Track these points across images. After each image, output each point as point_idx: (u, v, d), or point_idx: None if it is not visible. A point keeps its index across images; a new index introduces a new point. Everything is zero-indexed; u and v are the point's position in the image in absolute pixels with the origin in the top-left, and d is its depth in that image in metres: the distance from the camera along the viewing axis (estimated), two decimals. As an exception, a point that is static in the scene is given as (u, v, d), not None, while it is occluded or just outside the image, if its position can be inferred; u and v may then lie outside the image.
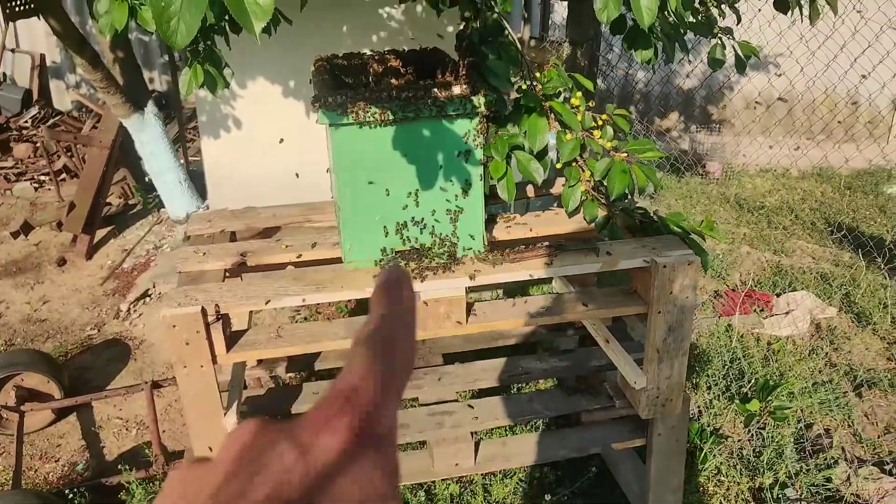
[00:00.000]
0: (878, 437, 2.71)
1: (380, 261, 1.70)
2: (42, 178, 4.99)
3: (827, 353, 3.21)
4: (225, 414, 1.66)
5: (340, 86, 1.76)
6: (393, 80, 1.74)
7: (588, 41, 2.96)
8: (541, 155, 1.76)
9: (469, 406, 1.96)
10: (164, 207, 4.36)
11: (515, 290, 3.04)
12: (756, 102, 6.28)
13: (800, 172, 5.64)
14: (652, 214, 1.82)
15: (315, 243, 1.83)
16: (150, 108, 3.94)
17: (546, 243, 1.76)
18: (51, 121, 5.85)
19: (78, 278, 3.82)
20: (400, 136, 1.58)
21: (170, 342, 1.55)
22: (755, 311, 3.51)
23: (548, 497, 2.25)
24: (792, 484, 2.32)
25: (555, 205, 2.07)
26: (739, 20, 2.34)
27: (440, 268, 1.68)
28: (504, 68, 1.62)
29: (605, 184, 1.74)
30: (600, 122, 1.76)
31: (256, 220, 2.03)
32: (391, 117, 1.54)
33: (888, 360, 3.22)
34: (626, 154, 1.67)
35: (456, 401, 2.02)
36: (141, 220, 4.35)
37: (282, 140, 3.67)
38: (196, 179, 4.37)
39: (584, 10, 2.72)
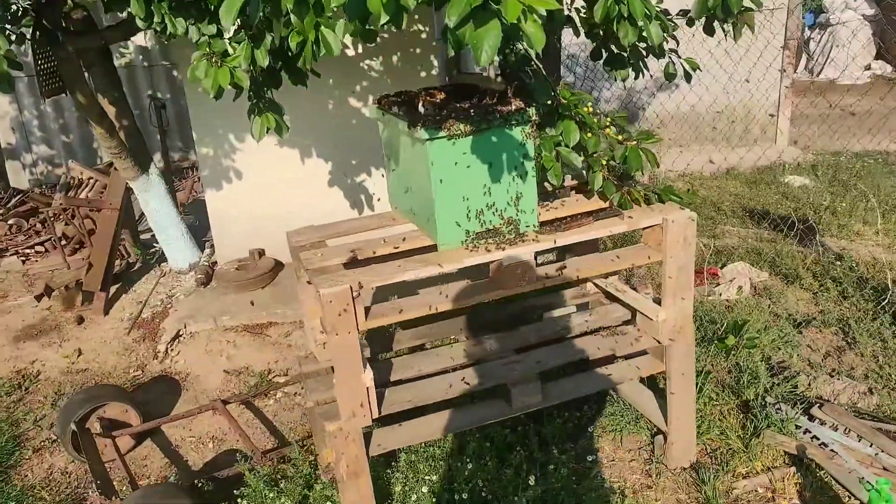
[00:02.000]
0: (822, 360, 3.41)
1: (464, 241, 2.22)
2: (26, 251, 5.16)
3: (769, 306, 3.93)
4: (364, 371, 2.12)
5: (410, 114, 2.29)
6: (458, 104, 2.28)
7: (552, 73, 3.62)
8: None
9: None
10: (165, 261, 4.66)
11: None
12: (666, 116, 7.22)
13: (711, 174, 6.56)
14: (652, 190, 2.44)
15: (405, 237, 2.32)
16: (153, 169, 4.30)
17: (582, 217, 2.34)
18: (17, 197, 5.99)
19: (101, 332, 4.07)
20: (476, 144, 2.13)
21: (326, 315, 2.00)
22: (708, 282, 4.22)
23: (590, 429, 2.78)
24: (769, 394, 2.96)
25: (571, 193, 2.64)
26: (678, 44, 3.04)
27: (512, 241, 2.22)
28: (544, 87, 2.20)
29: (617, 167, 2.35)
30: (608, 123, 2.38)
31: (342, 230, 2.48)
32: (471, 129, 2.09)
33: (816, 306, 3.98)
34: (636, 142, 2.29)
35: (517, 352, 2.53)
36: (145, 275, 4.63)
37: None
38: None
39: (551, 48, 3.37)
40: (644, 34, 2.01)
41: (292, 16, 1.70)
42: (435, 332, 2.73)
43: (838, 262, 4.26)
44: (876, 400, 2.99)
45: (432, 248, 2.25)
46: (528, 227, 2.28)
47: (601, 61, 2.71)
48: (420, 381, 2.40)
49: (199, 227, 5.16)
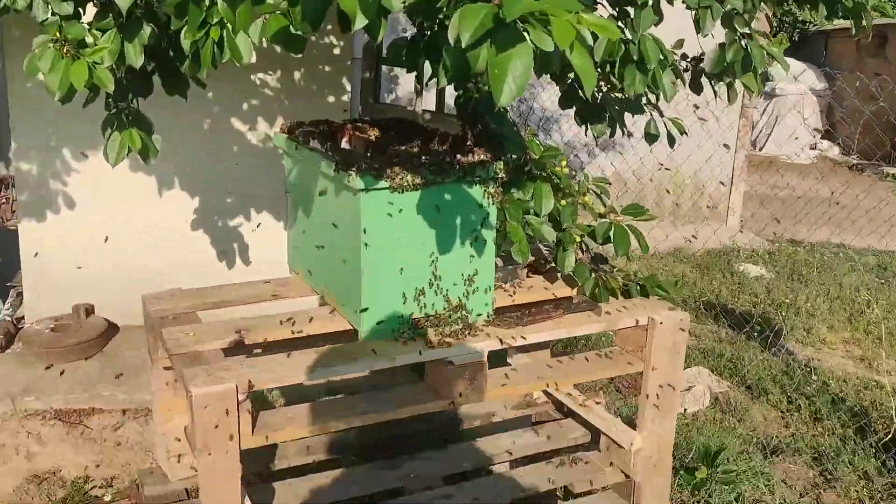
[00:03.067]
0: (798, 500, 3.39)
1: (396, 329, 2.00)
2: None
3: (733, 426, 3.92)
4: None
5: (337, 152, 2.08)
6: (403, 147, 2.09)
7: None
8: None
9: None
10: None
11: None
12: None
13: (655, 253, 6.70)
14: (633, 277, 2.33)
15: (312, 317, 2.08)
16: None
17: (548, 307, 2.18)
18: None
19: None
20: (425, 202, 1.95)
21: (197, 425, 1.70)
22: (657, 389, 4.17)
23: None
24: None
25: (524, 272, 2.50)
26: (658, 99, 3.03)
27: (459, 333, 2.02)
28: (516, 137, 2.06)
29: (591, 247, 2.23)
30: (587, 189, 2.26)
31: (222, 298, 2.20)
32: (420, 181, 1.90)
33: (786, 428, 4.01)
34: (621, 217, 2.18)
35: (446, 481, 2.31)
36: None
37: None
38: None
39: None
40: (654, 83, 1.92)
41: (219, 3, 1.47)
42: (334, 445, 2.45)
43: (813, 377, 4.35)
44: (868, 557, 2.97)
45: (350, 334, 2.05)
46: (480, 315, 2.11)
47: (568, 111, 2.64)
48: (314, 519, 2.11)
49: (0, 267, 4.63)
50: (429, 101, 4.40)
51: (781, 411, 4.14)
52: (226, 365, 1.82)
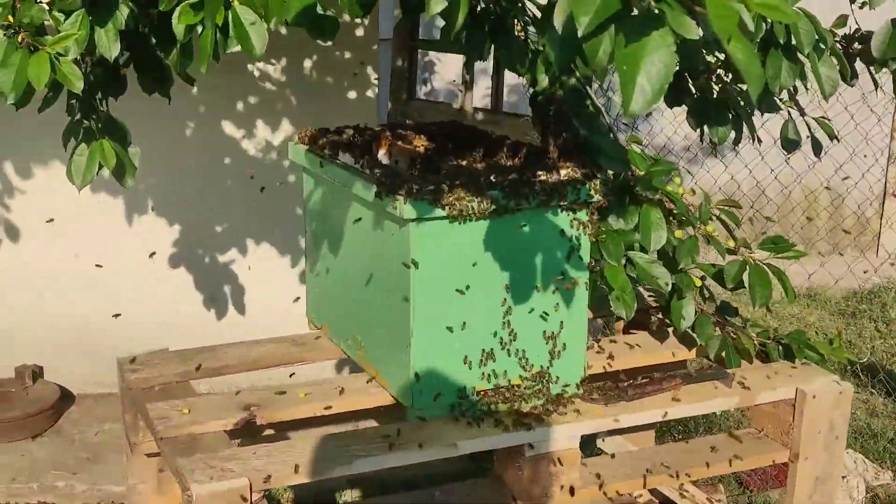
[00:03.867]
0: None
1: (456, 405, 2.00)
2: None
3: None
4: None
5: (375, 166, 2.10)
6: (463, 162, 2.10)
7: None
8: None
9: None
10: None
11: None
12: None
13: (781, 294, 6.63)
14: (773, 334, 2.31)
15: (342, 387, 2.09)
16: None
17: (658, 374, 2.18)
18: None
19: None
20: (494, 233, 1.96)
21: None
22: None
23: None
24: None
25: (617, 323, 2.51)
26: (796, 92, 3.02)
27: (542, 410, 2.02)
28: (615, 148, 2.07)
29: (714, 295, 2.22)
30: (708, 216, 2.27)
31: (222, 362, 2.23)
32: (489, 208, 1.91)
33: (976, 539, 3.92)
34: (757, 253, 2.17)
35: None
36: None
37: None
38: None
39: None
40: (808, 74, 1.93)
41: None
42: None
43: None
44: None
45: (395, 410, 2.08)
46: (568, 386, 2.12)
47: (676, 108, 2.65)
48: None
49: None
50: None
51: (968, 515, 4.06)
52: (233, 453, 1.84)
